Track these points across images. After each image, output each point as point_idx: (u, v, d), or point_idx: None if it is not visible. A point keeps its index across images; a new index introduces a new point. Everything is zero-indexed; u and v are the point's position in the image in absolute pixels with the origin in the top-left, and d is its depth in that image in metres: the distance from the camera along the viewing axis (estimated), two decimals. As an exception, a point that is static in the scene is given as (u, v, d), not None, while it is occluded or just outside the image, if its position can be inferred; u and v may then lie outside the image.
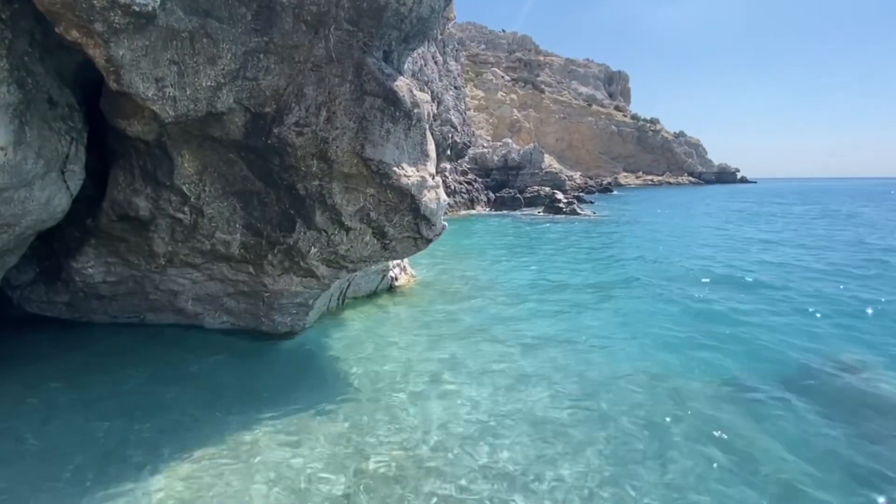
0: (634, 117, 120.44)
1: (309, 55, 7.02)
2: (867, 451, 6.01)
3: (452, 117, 19.05)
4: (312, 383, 7.55)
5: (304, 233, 7.99)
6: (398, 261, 13.75)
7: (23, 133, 6.07)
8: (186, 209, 8.01)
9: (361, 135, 7.08)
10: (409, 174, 7.41)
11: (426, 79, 15.02)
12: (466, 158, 45.52)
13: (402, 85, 7.34)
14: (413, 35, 8.03)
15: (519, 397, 7.18)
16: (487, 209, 44.74)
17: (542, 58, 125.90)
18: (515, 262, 18.46)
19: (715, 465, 5.64)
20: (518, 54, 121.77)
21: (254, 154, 7.53)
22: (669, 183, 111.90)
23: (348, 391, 7.26)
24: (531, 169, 55.94)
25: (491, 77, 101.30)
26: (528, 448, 5.89)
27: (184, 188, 7.79)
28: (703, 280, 15.28)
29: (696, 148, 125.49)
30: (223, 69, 6.61)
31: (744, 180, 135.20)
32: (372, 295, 12.40)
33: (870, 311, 11.89)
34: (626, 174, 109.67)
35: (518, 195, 47.03)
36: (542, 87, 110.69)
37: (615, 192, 79.05)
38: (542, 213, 40.04)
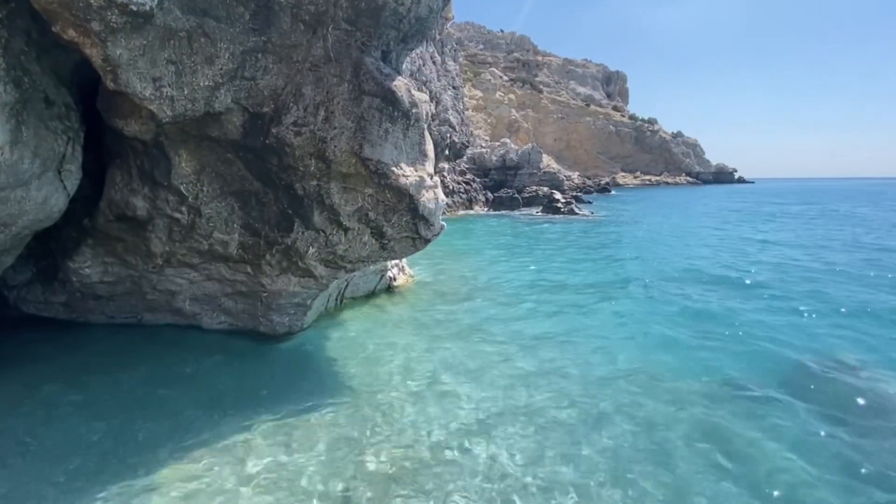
0: (632, 117, 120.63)
1: (307, 55, 7.01)
2: (865, 451, 6.03)
3: (451, 117, 19.05)
4: (311, 384, 7.54)
5: (303, 233, 7.97)
6: (396, 261, 13.74)
7: (19, 132, 6.05)
8: (184, 209, 7.99)
9: (360, 134, 7.07)
10: (407, 174, 7.40)
11: (424, 79, 15.02)
12: (465, 158, 45.52)
13: (401, 85, 7.33)
14: (411, 35, 8.02)
15: (517, 397, 7.18)
16: (486, 209, 44.75)
17: (540, 58, 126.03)
18: (514, 263, 18.46)
19: (713, 465, 5.65)
20: (516, 54, 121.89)
21: (252, 154, 7.51)
22: (667, 183, 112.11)
23: (346, 392, 7.25)
24: (529, 169, 55.96)
25: (489, 77, 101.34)
26: (526, 448, 5.89)
27: (181, 188, 7.76)
28: (702, 280, 15.30)
29: (694, 148, 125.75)
30: (221, 69, 6.59)
31: (741, 180, 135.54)
32: (370, 295, 12.39)
33: (867, 311, 11.92)
34: (623, 174, 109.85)
35: (516, 195, 47.05)
36: (541, 87, 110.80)
37: (613, 192, 79.15)
38: (540, 213, 40.07)
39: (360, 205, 7.60)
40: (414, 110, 7.44)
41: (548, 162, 63.82)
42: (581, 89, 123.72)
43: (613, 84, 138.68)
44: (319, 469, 5.40)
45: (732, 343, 9.62)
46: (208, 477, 5.23)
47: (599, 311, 11.88)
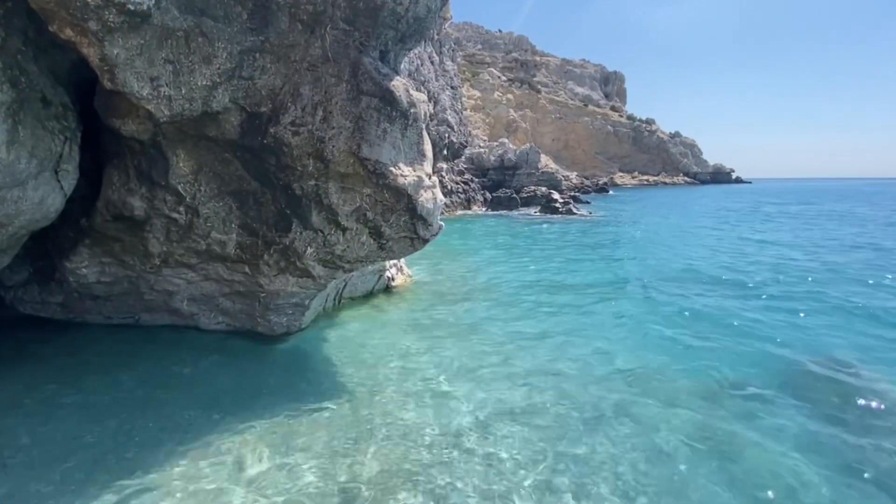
0: (630, 117, 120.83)
1: (305, 55, 7.00)
2: (864, 451, 6.05)
3: (449, 117, 19.06)
4: (309, 384, 7.53)
5: (301, 233, 7.96)
6: (395, 261, 13.74)
7: (16, 132, 6.03)
8: (182, 209, 7.97)
9: (358, 134, 7.06)
10: (405, 174, 7.40)
11: (423, 79, 15.02)
12: (463, 158, 45.53)
13: (399, 85, 7.33)
14: (410, 35, 8.02)
15: (515, 397, 7.18)
16: (484, 209, 44.76)
17: (538, 58, 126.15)
18: (512, 263, 18.47)
19: (711, 465, 5.66)
20: (514, 54, 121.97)
21: (250, 154, 7.50)
22: (665, 183, 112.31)
23: (345, 392, 7.24)
24: (527, 169, 55.99)
25: (487, 77, 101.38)
26: (524, 448, 5.89)
27: (179, 188, 7.75)
28: (700, 280, 15.33)
29: (692, 148, 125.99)
30: (219, 68, 6.58)
31: (739, 180, 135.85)
32: (368, 295, 12.38)
33: (865, 311, 11.96)
34: (621, 174, 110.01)
35: (514, 195, 47.08)
36: (539, 87, 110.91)
37: (611, 192, 79.26)
38: (538, 213, 40.11)
39: (358, 205, 7.59)
40: (412, 110, 7.44)
41: (546, 162, 63.88)
42: (579, 89, 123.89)
43: (611, 84, 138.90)
44: (318, 470, 5.40)
45: (731, 343, 9.63)
46: (206, 477, 5.22)
47: (598, 311, 11.89)
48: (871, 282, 15.06)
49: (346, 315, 10.89)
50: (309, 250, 8.11)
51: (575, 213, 39.18)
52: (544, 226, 31.97)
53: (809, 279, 15.43)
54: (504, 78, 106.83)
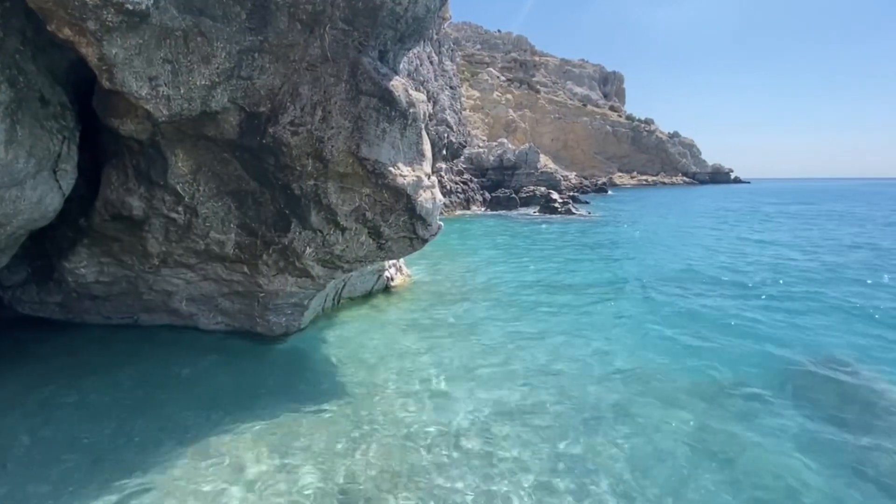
0: (629, 118, 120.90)
1: (304, 54, 6.99)
2: (862, 451, 6.06)
3: (448, 117, 19.06)
4: (308, 384, 7.52)
5: (300, 233, 7.95)
6: (394, 261, 13.73)
7: (14, 132, 6.02)
8: (180, 209, 7.96)
9: (357, 134, 7.06)
10: (404, 174, 7.40)
11: (422, 78, 15.02)
12: (462, 158, 45.54)
13: (398, 85, 7.33)
14: (409, 35, 8.02)
15: (513, 398, 7.19)
16: (483, 209, 44.77)
17: (537, 58, 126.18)
18: (511, 263, 18.48)
19: (709, 465, 5.67)
20: (513, 54, 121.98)
21: (248, 153, 7.49)
22: (664, 183, 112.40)
23: (344, 392, 7.24)
24: (527, 169, 56.02)
25: (486, 77, 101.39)
26: (522, 449, 5.89)
27: (178, 188, 7.74)
28: (699, 281, 15.35)
29: (691, 148, 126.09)
30: (217, 68, 6.57)
31: (737, 180, 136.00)
32: (368, 295, 12.37)
33: (862, 311, 11.98)
34: (620, 174, 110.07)
35: (514, 195, 47.10)
36: (538, 87, 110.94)
37: (610, 192, 79.31)
38: (537, 213, 40.12)
39: (357, 205, 7.59)
40: (411, 110, 7.44)
41: (545, 162, 63.90)
42: (578, 89, 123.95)
43: (610, 84, 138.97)
44: (317, 470, 5.39)
45: (730, 343, 9.64)
46: (205, 477, 5.22)
47: (597, 311, 11.89)
48: (869, 282, 15.09)
49: (346, 315, 10.88)
50: (308, 250, 8.10)
51: (574, 213, 39.20)
52: (543, 226, 31.98)
53: (808, 279, 15.45)
54: (503, 78, 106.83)
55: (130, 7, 5.50)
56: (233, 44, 6.58)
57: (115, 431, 6.02)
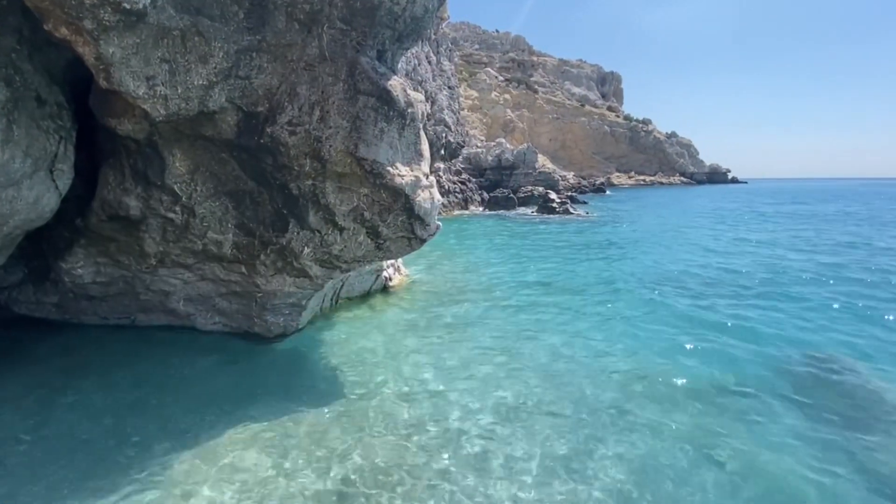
0: (627, 118, 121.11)
1: (302, 54, 6.98)
2: (861, 450, 6.08)
3: (446, 117, 19.06)
4: (305, 385, 7.51)
5: (298, 233, 7.94)
6: (392, 261, 13.72)
7: (10, 131, 5.99)
8: (178, 209, 7.93)
9: (355, 134, 7.05)
10: (402, 174, 7.39)
11: (420, 78, 15.01)
12: (460, 158, 45.54)
13: (396, 84, 7.32)
14: (407, 34, 8.01)
15: (510, 399, 7.18)
16: (481, 209, 44.77)
17: (535, 58, 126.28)
18: (509, 263, 18.48)
19: (707, 467, 5.68)
20: (512, 54, 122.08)
21: (246, 153, 7.48)
22: (661, 183, 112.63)
23: (341, 393, 7.23)
24: (525, 169, 56.07)
25: (484, 77, 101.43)
26: (519, 448, 5.89)
27: (175, 187, 7.71)
28: (697, 281, 15.38)
29: (688, 148, 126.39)
30: (215, 68, 6.56)
31: (735, 181, 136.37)
32: (366, 295, 12.36)
33: (860, 311, 12.02)
34: (618, 174, 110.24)
35: (512, 195, 47.12)
36: (536, 87, 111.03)
37: (608, 192, 79.42)
38: (535, 213, 40.14)
39: (355, 204, 7.58)
40: (409, 110, 7.43)
41: (543, 162, 63.95)
42: (576, 89, 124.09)
43: (608, 84, 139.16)
44: (314, 470, 5.38)
45: (728, 343, 9.66)
46: (202, 477, 5.20)
47: (595, 312, 11.90)
48: (866, 281, 15.14)
49: (344, 315, 10.87)
50: (306, 250, 8.09)
51: (572, 213, 39.23)
52: (541, 226, 32.00)
53: (805, 279, 15.50)
54: (501, 78, 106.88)
55: (128, 6, 5.48)
56: (230, 43, 6.56)
57: (113, 432, 6.00)
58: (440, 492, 5.09)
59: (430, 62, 16.53)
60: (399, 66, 8.88)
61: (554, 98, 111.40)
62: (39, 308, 9.47)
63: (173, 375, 7.62)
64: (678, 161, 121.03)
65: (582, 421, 6.55)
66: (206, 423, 6.24)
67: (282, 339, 9.18)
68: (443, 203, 26.79)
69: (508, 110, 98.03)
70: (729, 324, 10.82)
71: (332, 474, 5.32)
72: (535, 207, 41.96)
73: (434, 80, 16.93)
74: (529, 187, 51.48)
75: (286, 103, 7.03)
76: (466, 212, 42.39)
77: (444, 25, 18.31)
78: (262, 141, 7.15)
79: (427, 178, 7.90)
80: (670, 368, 8.33)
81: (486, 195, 47.59)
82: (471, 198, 45.67)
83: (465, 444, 5.93)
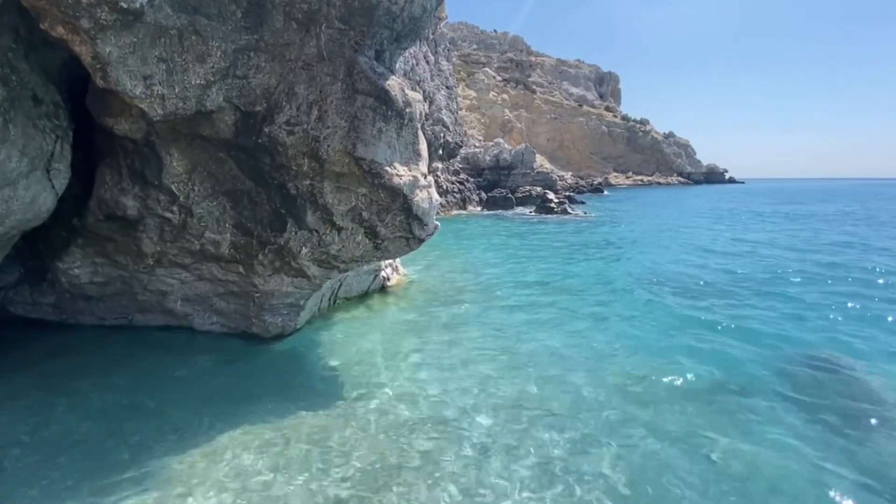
0: (625, 118, 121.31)
1: (300, 54, 6.97)
2: (859, 450, 6.10)
3: (444, 117, 19.06)
4: (303, 386, 7.50)
5: (296, 232, 7.93)
6: (390, 261, 13.71)
7: (6, 131, 5.96)
8: (175, 209, 7.91)
9: (353, 134, 7.04)
10: (401, 174, 7.39)
11: (418, 78, 15.01)
12: (458, 158, 45.55)
13: (394, 84, 7.31)
14: (405, 34, 8.00)
15: (509, 400, 7.18)
16: (479, 209, 44.78)
17: (533, 58, 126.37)
18: (507, 263, 18.48)
19: (704, 468, 5.68)
20: (510, 55, 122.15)
21: (244, 153, 7.46)
22: (659, 183, 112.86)
23: (340, 394, 7.22)
24: (523, 169, 56.12)
25: (482, 77, 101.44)
26: (517, 450, 5.89)
27: (172, 187, 7.69)
28: (694, 281, 15.41)
29: (686, 148, 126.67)
30: (213, 67, 6.54)
31: (732, 181, 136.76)
32: (364, 295, 12.34)
33: (858, 310, 12.07)
34: (616, 174, 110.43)
35: (510, 195, 47.14)
36: (534, 87, 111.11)
37: (606, 193, 79.53)
38: (533, 213, 40.17)
39: (353, 204, 7.57)
40: (408, 110, 7.43)
41: (541, 162, 63.99)
42: (574, 90, 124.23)
43: (606, 85, 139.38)
44: (311, 471, 5.37)
45: (726, 344, 9.67)
46: (200, 478, 5.19)
47: (593, 312, 11.91)
48: (865, 281, 15.19)
49: (342, 315, 10.86)
50: (304, 250, 8.07)
51: (570, 213, 39.27)
52: (539, 226, 32.03)
53: (803, 279, 15.54)
54: (499, 78, 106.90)
55: (125, 5, 5.46)
56: (228, 43, 6.54)
57: (111, 432, 5.97)
58: (439, 492, 5.08)
59: (428, 62, 16.52)
60: (397, 65, 8.88)
61: (552, 98, 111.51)
62: (36, 309, 9.43)
63: (171, 376, 7.60)
64: (676, 161, 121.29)
65: (580, 421, 6.55)
66: (203, 424, 6.22)
67: (280, 340, 9.16)
68: (441, 203, 26.79)
69: (506, 110, 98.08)
70: (727, 324, 10.84)
71: (330, 475, 5.30)
72: (533, 207, 41.99)
73: (432, 80, 16.93)
74: (527, 187, 51.52)
75: (284, 103, 7.02)
76: (464, 212, 42.39)
77: (442, 25, 18.31)
78: (259, 141, 7.14)
79: (425, 177, 7.89)
80: (669, 368, 8.34)
81: (484, 195, 47.60)
82: (469, 198, 45.68)
83: (463, 445, 5.93)
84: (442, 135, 18.78)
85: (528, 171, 56.56)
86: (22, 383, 7.15)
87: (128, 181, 7.80)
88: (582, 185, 79.50)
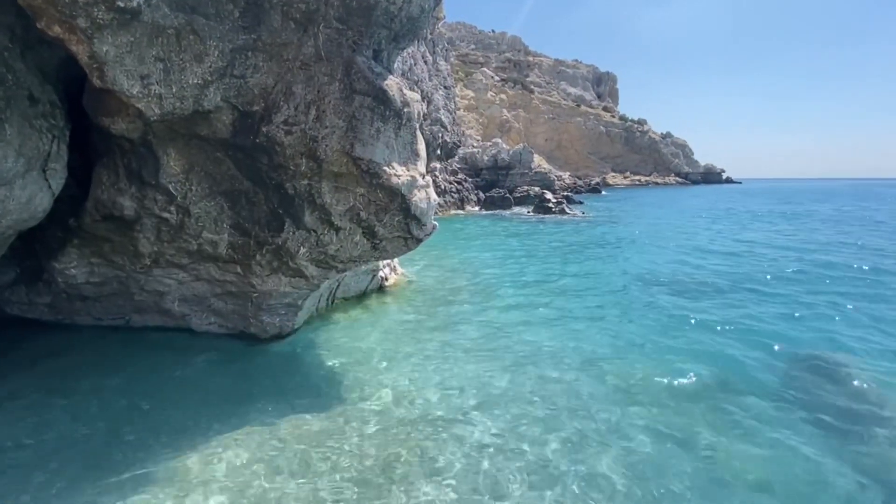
0: (622, 118, 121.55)
1: (298, 53, 6.95)
2: (857, 451, 6.12)
3: (442, 117, 19.04)
4: (301, 386, 7.48)
5: (293, 232, 7.91)
6: (388, 260, 13.70)
7: (2, 131, 5.94)
8: (172, 209, 7.89)
9: (351, 134, 7.03)
10: (399, 173, 7.38)
11: (416, 78, 14.99)
12: (456, 158, 45.54)
13: (392, 84, 7.30)
14: (403, 34, 8.00)
15: (505, 399, 7.18)
16: (477, 209, 44.80)
17: (531, 58, 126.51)
18: (505, 262, 18.49)
19: (701, 468, 5.70)
20: (508, 55, 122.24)
21: (242, 153, 7.44)
22: (657, 183, 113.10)
23: (337, 394, 7.21)
24: (521, 169, 56.16)
25: (481, 77, 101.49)
26: (514, 451, 5.89)
27: (170, 187, 7.67)
28: (692, 281, 15.44)
29: (683, 148, 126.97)
30: (210, 67, 6.52)
31: (729, 181, 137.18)
32: (362, 295, 12.33)
33: (855, 310, 12.11)
34: (614, 174, 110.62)
35: (508, 195, 47.17)
36: (532, 87, 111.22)
37: (603, 192, 79.66)
38: (531, 213, 40.20)
39: (351, 204, 7.56)
40: (406, 109, 7.42)
41: (539, 162, 64.06)
42: (572, 90, 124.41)
43: (604, 85, 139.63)
44: (309, 472, 5.36)
45: (724, 344, 9.70)
46: (196, 479, 5.17)
47: (591, 312, 11.93)
48: (863, 280, 15.24)
49: (340, 315, 10.84)
50: (302, 250, 8.06)
51: (568, 213, 39.32)
52: (538, 226, 32.05)
53: (800, 279, 15.59)
54: (497, 78, 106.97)
55: (122, 4, 5.44)
56: (226, 42, 6.52)
57: (108, 433, 5.95)
58: (437, 492, 5.08)
59: (426, 62, 16.51)
60: (395, 65, 8.87)
61: (550, 98, 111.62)
62: (32, 309, 9.39)
63: (168, 376, 7.57)
64: (673, 161, 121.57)
65: (579, 421, 6.55)
66: (201, 425, 6.20)
67: (278, 340, 9.14)
68: (439, 203, 26.75)
69: (504, 110, 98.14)
70: (724, 323, 10.87)
71: (328, 475, 5.30)
72: (532, 207, 42.02)
73: (430, 80, 16.92)
74: (525, 187, 51.58)
75: (282, 103, 7.00)
76: (463, 212, 42.40)
77: (440, 25, 18.30)
78: (257, 140, 7.12)
79: (423, 177, 7.88)
80: (666, 368, 8.35)
81: (482, 195, 47.63)
82: (467, 198, 45.69)
83: (461, 445, 5.93)
84: (440, 135, 18.78)
85: (526, 171, 56.62)
86: (19, 384, 7.12)
87: (125, 181, 7.78)
88: (580, 185, 79.63)
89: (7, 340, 8.63)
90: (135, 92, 6.15)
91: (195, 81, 6.50)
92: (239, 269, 8.53)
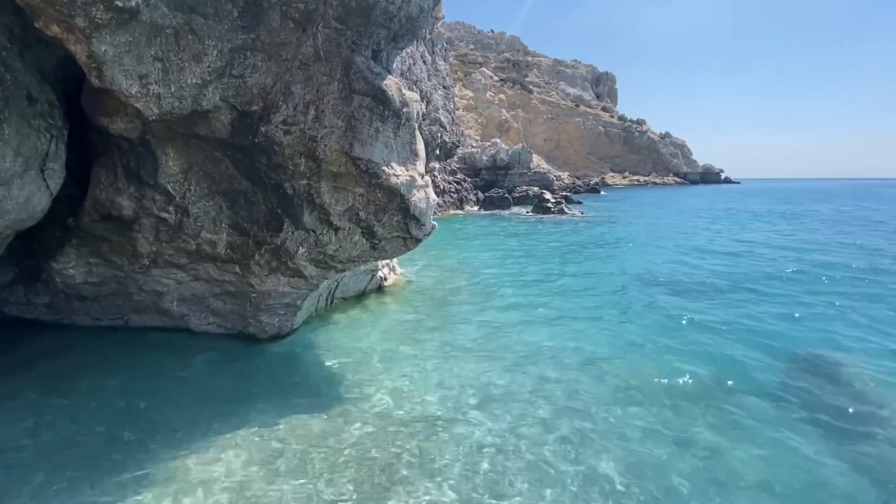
0: (621, 118, 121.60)
1: (297, 53, 6.94)
2: (857, 451, 6.12)
3: (441, 117, 19.05)
4: (300, 386, 7.47)
5: (292, 232, 7.90)
6: (387, 260, 13.69)
7: (0, 130, 5.92)
8: (171, 208, 7.87)
9: (350, 134, 7.02)
10: (398, 173, 7.37)
11: (415, 78, 14.99)
12: (455, 158, 45.55)
13: (391, 84, 7.30)
14: (402, 34, 7.99)
15: (504, 399, 7.18)
16: (476, 209, 44.79)
17: (530, 58, 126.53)
18: (504, 262, 18.49)
19: (699, 469, 5.69)
20: (507, 55, 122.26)
21: (240, 153, 7.43)
22: (655, 183, 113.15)
23: (336, 394, 7.20)
24: (520, 169, 56.16)
25: (480, 77, 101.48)
26: (514, 452, 5.88)
27: (168, 187, 7.65)
28: (691, 281, 15.45)
29: (682, 148, 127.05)
30: (209, 66, 6.51)
31: (728, 181, 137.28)
32: (361, 295, 12.32)
33: (853, 309, 12.12)
34: (612, 174, 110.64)
35: (507, 195, 47.16)
36: (531, 87, 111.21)
37: (602, 192, 79.68)
38: (530, 213, 40.20)
39: (350, 204, 7.55)
40: (405, 109, 7.41)
41: (538, 162, 64.07)
42: (571, 90, 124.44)
43: (603, 85, 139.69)
44: (308, 472, 5.35)
45: (722, 344, 9.70)
46: (195, 480, 5.16)
47: (590, 312, 11.93)
48: (861, 280, 15.26)
49: (339, 316, 10.83)
50: (301, 250, 8.05)
51: (567, 213, 39.32)
52: (537, 226, 32.05)
53: (799, 278, 15.60)
54: (496, 78, 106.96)
55: (120, 4, 5.43)
56: (224, 42, 6.51)
57: (106, 434, 5.94)
58: (437, 492, 5.07)
59: (425, 62, 16.51)
60: (394, 65, 8.86)
61: (549, 98, 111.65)
62: (30, 309, 9.37)
63: (167, 377, 7.56)
64: (672, 161, 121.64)
65: (578, 420, 6.55)
66: (200, 425, 6.19)
67: (277, 340, 9.13)
68: (438, 203, 26.75)
69: (503, 110, 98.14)
70: (723, 323, 10.87)
71: (327, 475, 5.29)
72: (531, 207, 42.02)
73: (429, 80, 16.92)
74: (524, 187, 51.59)
75: (281, 102, 6.99)
76: (461, 212, 42.39)
77: (439, 25, 18.29)
78: (256, 140, 7.11)
79: (422, 177, 7.88)
80: (665, 368, 8.35)
81: (481, 195, 47.61)
82: (466, 198, 45.68)
83: (461, 445, 5.92)
84: (439, 135, 18.78)
85: (525, 171, 56.62)
86: (18, 384, 7.10)
87: (123, 181, 7.76)
88: (579, 185, 79.64)
89: (6, 341, 8.61)
90: (133, 91, 6.14)
91: (194, 81, 6.49)
92: (238, 269, 8.52)
